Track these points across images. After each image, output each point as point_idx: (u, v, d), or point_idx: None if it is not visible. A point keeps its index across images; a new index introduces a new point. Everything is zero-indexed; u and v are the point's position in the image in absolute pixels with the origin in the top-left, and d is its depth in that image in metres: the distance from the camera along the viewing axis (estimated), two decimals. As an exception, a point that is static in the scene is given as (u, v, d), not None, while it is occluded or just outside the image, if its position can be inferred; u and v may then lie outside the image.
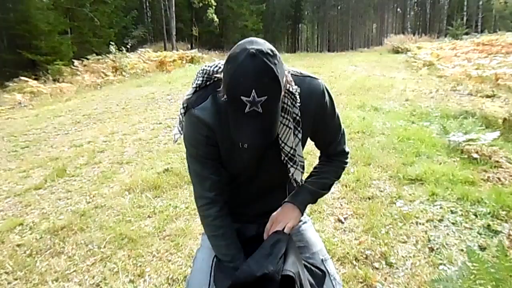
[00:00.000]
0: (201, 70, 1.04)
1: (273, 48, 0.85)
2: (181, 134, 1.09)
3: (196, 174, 1.07)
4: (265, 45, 0.84)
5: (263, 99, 0.81)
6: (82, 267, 2.11)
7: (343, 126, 1.16)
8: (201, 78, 1.03)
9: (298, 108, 1.00)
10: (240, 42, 0.87)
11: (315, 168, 1.20)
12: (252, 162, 1.06)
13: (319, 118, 1.07)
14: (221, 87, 0.90)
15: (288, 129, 1.00)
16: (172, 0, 19.62)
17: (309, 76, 1.06)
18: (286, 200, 1.13)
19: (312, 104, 1.03)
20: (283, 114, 0.98)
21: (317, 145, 1.20)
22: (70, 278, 2.02)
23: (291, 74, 1.02)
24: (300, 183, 1.13)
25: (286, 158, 1.06)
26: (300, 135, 1.04)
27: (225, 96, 0.88)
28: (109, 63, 11.53)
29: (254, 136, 0.86)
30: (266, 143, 0.88)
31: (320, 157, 1.23)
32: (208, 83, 1.02)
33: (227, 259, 1.05)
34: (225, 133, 0.97)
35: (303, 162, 1.10)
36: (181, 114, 1.05)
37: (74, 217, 2.68)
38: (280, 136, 1.01)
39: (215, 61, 1.07)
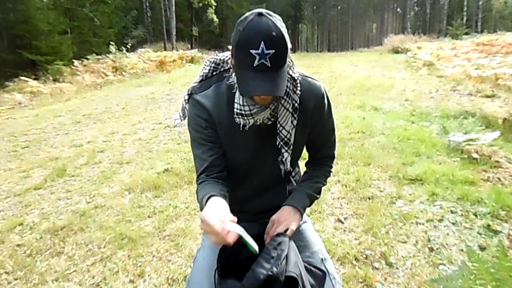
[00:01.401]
0: (210, 59, 1.09)
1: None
2: (181, 120, 1.13)
3: (196, 156, 1.09)
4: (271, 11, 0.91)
5: (271, 52, 0.85)
6: (82, 267, 2.10)
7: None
8: (208, 68, 1.09)
9: (298, 96, 1.04)
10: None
11: (306, 173, 1.23)
12: (250, 149, 1.08)
13: (316, 118, 1.11)
14: (229, 64, 1.00)
15: (287, 112, 1.04)
16: (172, 0, 19.62)
17: (311, 78, 1.10)
18: (285, 203, 1.13)
19: (312, 102, 1.08)
20: (284, 97, 1.02)
21: (309, 147, 1.22)
22: (70, 278, 2.02)
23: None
24: (290, 169, 1.15)
25: (281, 143, 1.08)
26: (295, 122, 1.07)
27: (231, 82, 0.98)
28: (109, 63, 11.53)
29: (262, 87, 0.87)
30: (273, 94, 0.90)
31: (307, 163, 1.26)
32: (214, 73, 1.08)
33: (201, 197, 0.98)
34: (224, 120, 1.03)
35: (299, 151, 1.14)
36: (184, 100, 1.09)
37: (74, 217, 2.68)
38: (279, 119, 1.05)
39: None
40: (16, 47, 12.81)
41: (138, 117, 5.88)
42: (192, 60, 14.03)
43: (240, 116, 1.01)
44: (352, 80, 8.59)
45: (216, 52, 20.24)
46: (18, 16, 12.93)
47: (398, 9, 46.63)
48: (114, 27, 18.17)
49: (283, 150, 1.09)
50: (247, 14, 0.90)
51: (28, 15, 12.83)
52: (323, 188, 1.23)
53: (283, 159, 1.11)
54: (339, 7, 42.94)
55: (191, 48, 19.91)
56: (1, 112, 7.18)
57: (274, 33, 0.85)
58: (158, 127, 5.16)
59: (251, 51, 0.85)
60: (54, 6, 14.60)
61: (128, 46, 13.06)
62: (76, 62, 11.36)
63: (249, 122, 1.02)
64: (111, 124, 5.53)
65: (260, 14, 0.87)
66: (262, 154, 1.10)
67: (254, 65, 0.85)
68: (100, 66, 11.27)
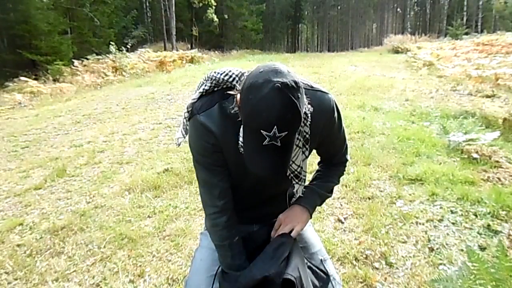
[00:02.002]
0: (209, 76, 0.99)
1: (296, 79, 0.81)
2: (184, 138, 1.07)
3: (205, 181, 1.04)
4: (289, 77, 0.79)
5: (283, 134, 0.79)
6: (82, 267, 2.10)
7: (347, 138, 1.17)
8: (208, 84, 0.99)
9: (309, 126, 0.98)
10: (262, 69, 0.82)
11: (318, 171, 1.21)
12: (256, 175, 1.00)
13: (326, 132, 1.06)
14: (234, 104, 0.89)
15: (298, 148, 1.00)
16: (172, 0, 19.62)
17: (319, 91, 1.02)
18: (295, 202, 1.12)
19: (322, 120, 1.02)
20: (296, 134, 0.96)
21: (321, 156, 1.21)
22: (70, 278, 2.02)
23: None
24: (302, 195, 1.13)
25: (292, 175, 1.05)
26: (307, 153, 1.03)
27: (236, 111, 0.88)
28: (109, 63, 11.53)
29: (269, 169, 0.84)
30: (277, 175, 0.88)
31: (320, 163, 1.25)
32: (216, 89, 0.99)
33: (232, 269, 1.02)
34: (229, 143, 0.96)
35: (306, 175, 1.10)
36: (185, 118, 1.02)
37: (74, 217, 2.68)
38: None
39: (222, 67, 1.02)
40: (16, 47, 12.78)
41: (138, 117, 5.88)
42: (192, 60, 14.02)
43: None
44: (352, 80, 8.58)
45: (217, 52, 20.21)
46: (18, 16, 12.91)
47: (398, 9, 46.61)
48: (114, 27, 18.15)
49: (294, 182, 1.07)
50: (262, 81, 0.78)
51: (28, 15, 12.80)
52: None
53: (294, 190, 1.09)
54: (339, 7, 42.93)
55: (191, 48, 19.91)
56: (1, 112, 7.18)
57: (290, 115, 0.78)
58: (158, 127, 5.16)
59: (261, 131, 0.79)
60: (54, 6, 14.57)
61: (128, 46, 13.07)
62: (76, 62, 11.36)
63: None
64: (111, 124, 5.52)
65: (278, 89, 0.76)
66: (268, 179, 1.03)
67: (263, 144, 0.80)
68: (100, 66, 11.27)
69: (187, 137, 1.06)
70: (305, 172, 1.07)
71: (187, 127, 1.03)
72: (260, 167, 0.84)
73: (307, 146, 1.02)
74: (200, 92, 1.00)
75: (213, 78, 0.98)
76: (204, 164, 1.02)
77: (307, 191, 1.13)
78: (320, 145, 1.08)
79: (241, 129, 0.90)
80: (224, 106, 0.95)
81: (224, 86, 0.98)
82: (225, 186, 1.03)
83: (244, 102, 0.81)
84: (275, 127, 0.77)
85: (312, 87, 1.01)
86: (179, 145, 1.08)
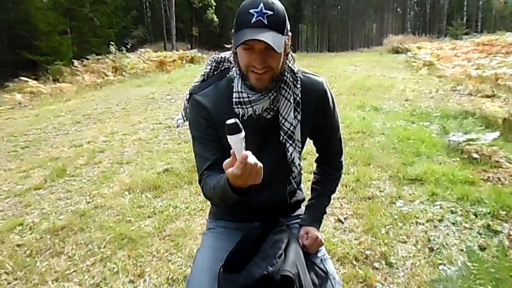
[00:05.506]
0: (212, 57, 1.12)
1: None
2: (184, 120, 1.16)
3: (198, 155, 1.11)
4: None
5: (269, 12, 0.91)
6: (82, 267, 2.10)
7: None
8: (209, 67, 1.11)
9: (299, 91, 1.05)
10: None
11: (318, 181, 1.25)
12: (251, 147, 1.02)
13: (320, 113, 1.11)
14: (231, 61, 1.05)
15: (289, 103, 1.04)
16: (172, 0, 19.64)
17: (312, 74, 1.12)
18: (303, 223, 1.20)
19: (314, 97, 1.08)
20: (285, 87, 1.03)
21: (317, 144, 1.23)
22: (70, 278, 2.02)
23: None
24: (301, 166, 1.16)
25: (285, 137, 1.06)
26: (299, 117, 1.07)
27: (231, 76, 1.02)
28: (109, 63, 11.54)
29: (257, 36, 0.89)
30: (267, 42, 0.89)
31: (317, 161, 1.27)
32: (215, 72, 1.10)
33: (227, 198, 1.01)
34: (224, 117, 1.00)
35: (301, 147, 1.13)
36: (186, 100, 1.11)
37: (74, 217, 2.68)
38: (281, 111, 1.04)
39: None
40: (16, 47, 12.77)
41: (138, 117, 5.88)
42: (192, 60, 14.04)
43: (239, 105, 1.01)
44: (352, 80, 8.58)
45: (217, 52, 20.32)
46: (18, 16, 12.91)
47: (398, 9, 46.64)
48: (114, 27, 18.15)
49: (287, 145, 1.07)
50: None
51: (28, 15, 12.81)
52: None
53: (290, 154, 1.08)
54: (339, 7, 42.94)
55: (191, 48, 19.94)
56: (1, 112, 7.18)
57: (272, 1, 0.92)
58: (158, 127, 5.16)
59: (250, 10, 0.91)
60: (54, 6, 14.58)
61: (128, 46, 13.07)
62: (76, 62, 11.36)
63: (247, 112, 1.01)
64: (111, 124, 5.52)
65: None
66: (264, 151, 1.05)
67: (252, 21, 0.90)
68: (100, 66, 11.28)
69: (186, 123, 1.14)
70: (299, 141, 1.09)
71: (187, 109, 1.12)
72: (250, 35, 0.89)
73: (298, 110, 1.06)
74: (202, 76, 1.11)
75: (214, 59, 1.11)
76: (198, 139, 1.10)
77: (310, 211, 1.22)
78: (315, 129, 1.13)
79: (234, 85, 1.01)
80: (219, 86, 1.06)
81: (223, 68, 1.10)
82: (219, 161, 1.05)
83: (238, 8, 0.95)
84: (261, 3, 0.91)
85: (305, 71, 1.11)
86: (177, 126, 1.19)
